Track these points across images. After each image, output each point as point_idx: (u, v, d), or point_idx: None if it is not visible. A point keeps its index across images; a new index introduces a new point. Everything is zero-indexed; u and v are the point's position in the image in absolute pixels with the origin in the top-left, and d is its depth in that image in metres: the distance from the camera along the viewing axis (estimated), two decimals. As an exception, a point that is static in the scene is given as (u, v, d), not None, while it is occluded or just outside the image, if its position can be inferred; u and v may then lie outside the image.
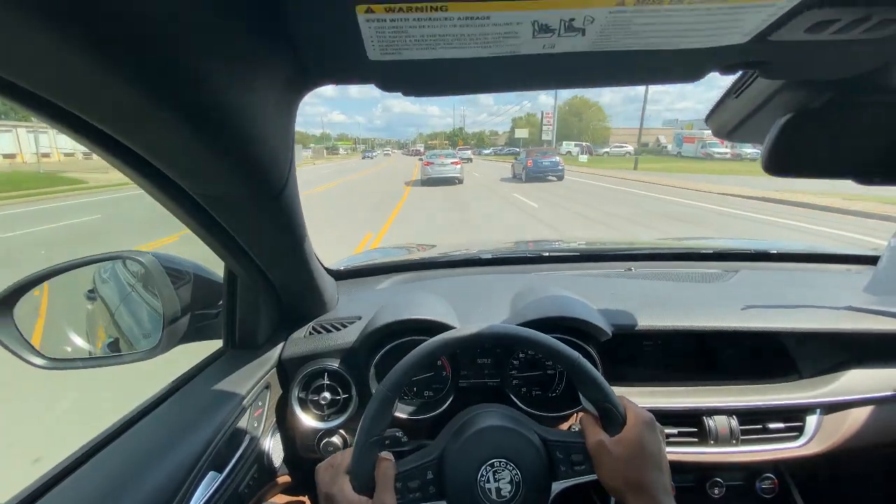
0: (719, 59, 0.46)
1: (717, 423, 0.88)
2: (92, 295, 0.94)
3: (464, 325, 0.84)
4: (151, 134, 0.40)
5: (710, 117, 0.72)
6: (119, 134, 0.40)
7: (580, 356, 0.63)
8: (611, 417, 0.61)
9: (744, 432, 0.88)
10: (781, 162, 0.58)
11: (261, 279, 0.79)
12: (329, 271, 1.10)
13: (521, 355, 0.94)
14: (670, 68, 0.48)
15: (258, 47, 0.39)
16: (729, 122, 0.68)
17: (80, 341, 0.83)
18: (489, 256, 1.38)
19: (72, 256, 0.77)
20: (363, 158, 59.27)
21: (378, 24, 0.36)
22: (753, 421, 0.89)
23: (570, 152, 50.87)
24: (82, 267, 0.78)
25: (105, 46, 0.29)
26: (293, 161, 0.57)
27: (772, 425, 0.89)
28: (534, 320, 0.87)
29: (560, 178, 17.82)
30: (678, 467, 0.90)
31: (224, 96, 0.39)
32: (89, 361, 0.80)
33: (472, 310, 0.99)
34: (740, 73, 0.55)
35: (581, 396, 0.64)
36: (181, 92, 0.36)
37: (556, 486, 0.62)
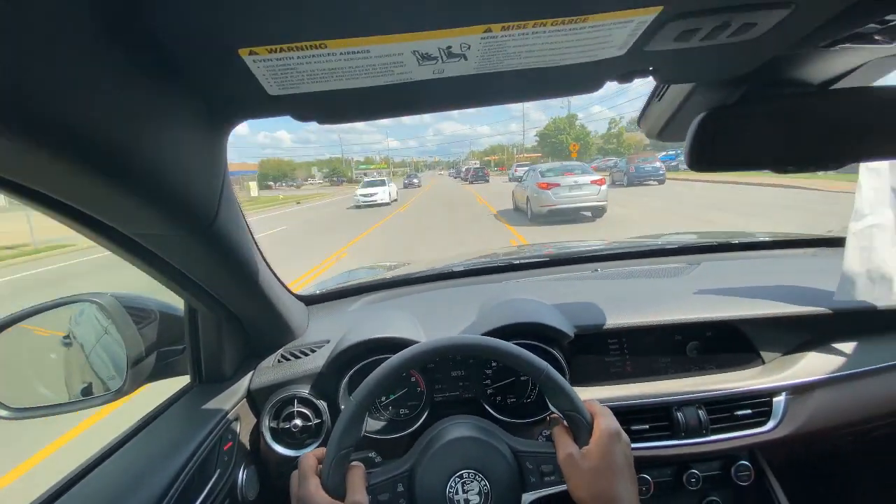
0: (608, 69, 0.48)
1: (686, 414, 0.89)
2: (67, 340, 0.93)
3: (430, 339, 0.85)
4: (76, 187, 0.41)
5: (641, 120, 0.75)
6: (47, 190, 0.40)
7: (548, 366, 0.62)
8: (578, 426, 0.61)
9: (713, 421, 0.89)
10: (702, 157, 0.61)
11: (221, 311, 0.79)
12: (300, 297, 1.11)
13: (493, 364, 0.94)
14: (566, 81, 0.50)
15: (166, 98, 0.40)
16: (657, 123, 0.71)
17: (44, 388, 0.83)
18: (460, 269, 1.40)
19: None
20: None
21: (266, 64, 0.38)
22: (721, 409, 0.91)
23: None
24: (38, 314, 0.77)
25: (31, 128, 0.30)
26: (224, 192, 0.57)
27: (739, 412, 0.90)
28: (496, 328, 0.89)
29: (661, 182, 17.82)
30: (655, 462, 0.91)
31: (143, 147, 0.40)
32: (55, 408, 0.79)
33: (439, 323, 1.00)
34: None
35: (549, 403, 0.65)
36: (101, 151, 0.36)
37: (526, 498, 0.61)
